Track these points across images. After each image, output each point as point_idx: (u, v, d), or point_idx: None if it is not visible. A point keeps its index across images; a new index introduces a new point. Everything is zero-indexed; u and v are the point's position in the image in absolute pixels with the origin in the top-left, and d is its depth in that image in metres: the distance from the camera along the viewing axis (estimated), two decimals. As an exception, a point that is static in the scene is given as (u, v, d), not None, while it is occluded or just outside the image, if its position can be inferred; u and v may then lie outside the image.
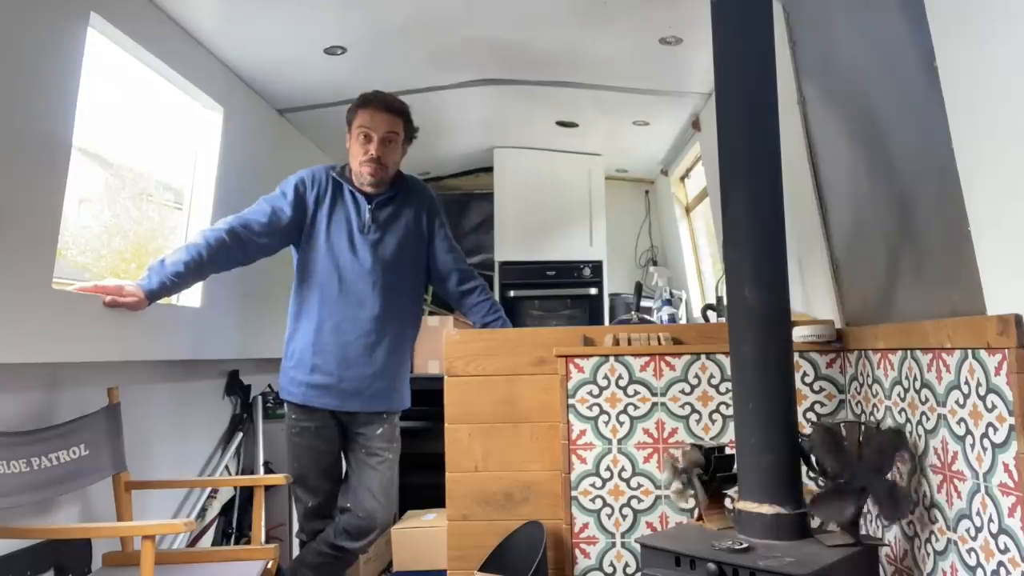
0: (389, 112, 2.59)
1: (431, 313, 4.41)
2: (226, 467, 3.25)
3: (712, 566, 1.73)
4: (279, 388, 2.69)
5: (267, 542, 2.55)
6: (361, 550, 2.61)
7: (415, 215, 2.68)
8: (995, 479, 1.57)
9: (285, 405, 2.67)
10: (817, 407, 2.34)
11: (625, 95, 3.59)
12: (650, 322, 3.61)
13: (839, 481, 1.87)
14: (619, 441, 2.37)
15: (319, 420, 2.61)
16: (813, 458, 1.93)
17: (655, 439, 2.37)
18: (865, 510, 1.95)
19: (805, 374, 2.34)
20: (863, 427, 1.93)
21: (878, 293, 2.19)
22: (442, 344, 2.54)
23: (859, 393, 2.25)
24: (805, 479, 1.93)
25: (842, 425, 1.92)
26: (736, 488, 1.97)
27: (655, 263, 5.16)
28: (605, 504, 2.36)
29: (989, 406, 1.58)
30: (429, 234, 2.71)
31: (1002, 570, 1.55)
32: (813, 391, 2.35)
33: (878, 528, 2.14)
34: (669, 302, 4.17)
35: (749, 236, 1.94)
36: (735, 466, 2.02)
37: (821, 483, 1.93)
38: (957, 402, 1.71)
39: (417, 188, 2.76)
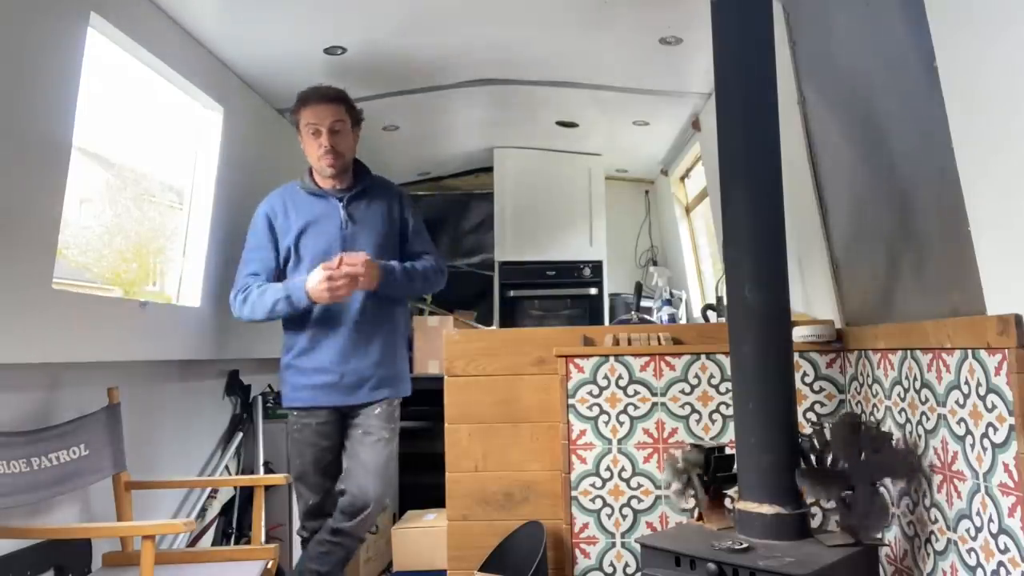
0: (330, 102, 2.63)
1: (431, 313, 4.41)
2: (226, 467, 3.24)
3: (712, 566, 1.73)
4: (284, 398, 2.70)
5: (267, 542, 2.55)
6: (356, 530, 2.54)
7: (388, 207, 2.73)
8: (995, 479, 1.57)
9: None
10: (817, 407, 2.34)
11: (625, 95, 3.58)
12: (650, 322, 3.61)
13: (837, 468, 1.87)
14: (619, 441, 2.37)
15: (322, 416, 2.62)
16: (817, 443, 1.92)
17: (655, 439, 2.37)
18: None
19: (805, 374, 2.34)
20: (883, 434, 1.94)
21: (878, 293, 2.19)
22: (442, 344, 2.54)
23: (859, 393, 2.25)
24: (805, 479, 1.93)
25: (863, 424, 1.93)
26: (736, 488, 1.97)
27: (655, 263, 5.16)
28: (605, 504, 2.36)
29: (989, 406, 1.58)
30: (402, 224, 2.75)
31: (1002, 570, 1.55)
32: (813, 391, 2.35)
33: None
34: (669, 302, 4.17)
35: (749, 236, 1.94)
36: (735, 466, 2.02)
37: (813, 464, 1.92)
38: (957, 402, 1.71)
39: (386, 183, 2.83)
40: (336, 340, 2.59)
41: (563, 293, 4.72)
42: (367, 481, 2.56)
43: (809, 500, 1.90)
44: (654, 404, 2.38)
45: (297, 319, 2.63)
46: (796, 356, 2.28)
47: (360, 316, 2.59)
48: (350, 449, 2.65)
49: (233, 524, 3.20)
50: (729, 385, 2.31)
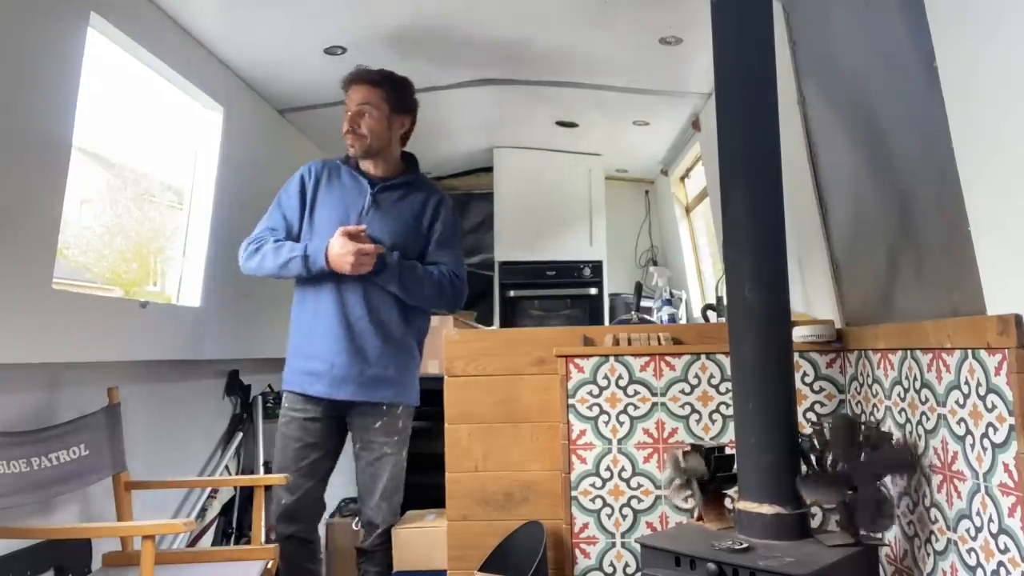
0: (361, 83, 2.58)
1: (432, 313, 4.40)
2: (226, 467, 3.25)
3: (712, 566, 1.73)
4: (283, 380, 2.64)
5: (267, 542, 2.55)
6: (376, 547, 2.57)
7: (420, 209, 2.63)
8: (995, 479, 1.57)
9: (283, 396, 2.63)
10: (817, 407, 2.34)
11: (625, 95, 3.58)
12: (650, 322, 3.61)
13: (837, 469, 1.88)
14: (619, 441, 2.37)
15: (312, 411, 2.54)
16: (817, 443, 1.92)
17: (655, 439, 2.37)
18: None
19: (805, 374, 2.34)
20: (881, 433, 1.94)
21: (878, 293, 2.19)
22: (442, 344, 2.54)
23: (859, 393, 2.25)
24: (805, 479, 1.93)
25: (862, 424, 1.93)
26: (736, 488, 1.97)
27: (655, 263, 5.16)
28: (605, 504, 2.36)
29: (989, 406, 1.58)
30: (429, 231, 2.65)
31: (1002, 570, 1.55)
32: (813, 391, 2.35)
33: (878, 528, 2.14)
34: (669, 302, 4.17)
35: (749, 236, 1.94)
36: (735, 466, 2.02)
37: (813, 465, 1.92)
38: (957, 402, 1.71)
39: (431, 186, 2.74)
40: (332, 329, 2.51)
41: (563, 293, 4.72)
42: (372, 503, 2.55)
43: (809, 501, 1.90)
44: (654, 404, 2.38)
45: (304, 297, 2.57)
46: (796, 356, 2.28)
47: (359, 308, 2.51)
48: (355, 463, 2.62)
49: (233, 524, 3.21)
50: (729, 385, 2.31)
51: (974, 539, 1.65)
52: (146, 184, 3.24)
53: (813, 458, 1.93)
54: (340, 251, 2.42)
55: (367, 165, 2.64)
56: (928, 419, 1.84)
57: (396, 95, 2.62)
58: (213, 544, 3.10)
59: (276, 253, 2.52)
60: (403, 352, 2.60)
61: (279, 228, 2.60)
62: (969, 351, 1.64)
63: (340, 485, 2.83)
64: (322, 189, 2.63)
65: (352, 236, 2.43)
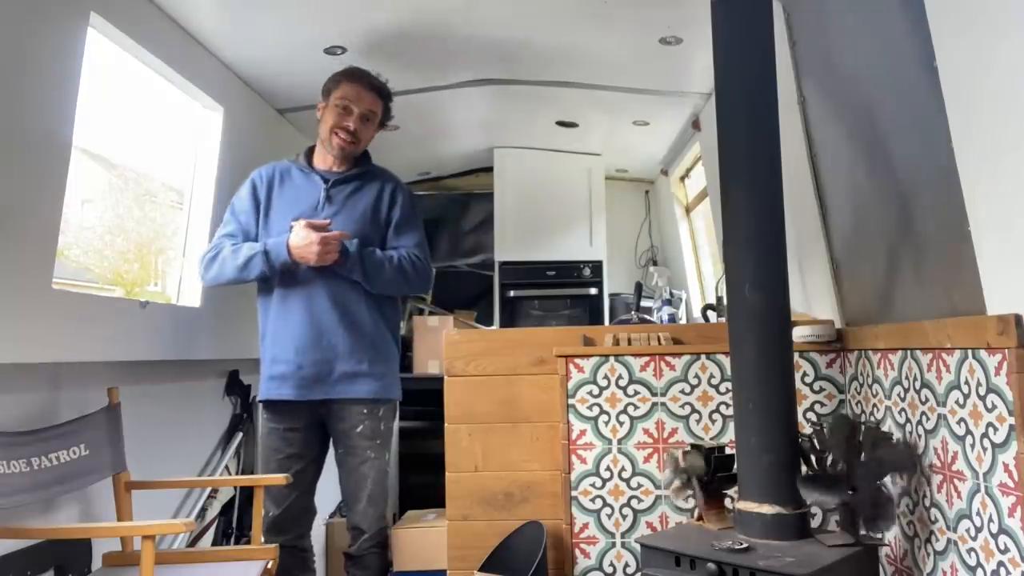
0: (373, 91, 2.59)
1: (431, 313, 4.41)
2: (226, 467, 3.24)
3: (712, 566, 1.73)
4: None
5: (266, 542, 2.54)
6: (363, 552, 2.52)
7: (377, 197, 2.60)
8: (995, 479, 1.57)
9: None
10: (817, 407, 2.34)
11: (625, 95, 3.58)
12: (650, 322, 3.61)
13: (836, 470, 1.88)
14: (619, 441, 2.37)
15: (288, 421, 2.50)
16: (817, 443, 1.93)
17: (655, 439, 2.37)
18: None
19: (805, 374, 2.35)
20: (881, 433, 1.94)
21: (878, 293, 2.19)
22: (442, 344, 2.54)
23: (859, 393, 2.25)
24: (805, 479, 1.93)
25: (862, 425, 1.93)
26: (736, 488, 1.97)
27: (655, 263, 5.16)
28: (605, 504, 2.36)
29: (989, 406, 1.58)
30: (388, 216, 2.61)
31: (1002, 570, 1.55)
32: (813, 391, 2.35)
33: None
34: (669, 302, 4.17)
35: (749, 236, 1.94)
36: (735, 466, 2.02)
37: (813, 465, 1.93)
38: (957, 402, 1.71)
39: (385, 173, 2.69)
40: (296, 327, 2.46)
41: (563, 293, 4.72)
42: (359, 509, 2.50)
43: (809, 501, 1.90)
44: (654, 404, 2.38)
45: (267, 302, 2.53)
46: (796, 356, 2.28)
47: (324, 303, 2.46)
48: (338, 468, 2.56)
49: (233, 524, 3.20)
50: (729, 385, 2.31)
51: (974, 539, 1.65)
52: (147, 184, 3.25)
53: (813, 458, 1.93)
54: (303, 241, 2.39)
55: (323, 162, 2.62)
56: (928, 419, 1.84)
57: (388, 111, 2.67)
58: (213, 544, 3.10)
59: (235, 256, 2.49)
60: (377, 345, 2.53)
61: (237, 235, 2.58)
62: (969, 351, 1.64)
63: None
64: (275, 192, 2.61)
65: (317, 229, 2.40)
